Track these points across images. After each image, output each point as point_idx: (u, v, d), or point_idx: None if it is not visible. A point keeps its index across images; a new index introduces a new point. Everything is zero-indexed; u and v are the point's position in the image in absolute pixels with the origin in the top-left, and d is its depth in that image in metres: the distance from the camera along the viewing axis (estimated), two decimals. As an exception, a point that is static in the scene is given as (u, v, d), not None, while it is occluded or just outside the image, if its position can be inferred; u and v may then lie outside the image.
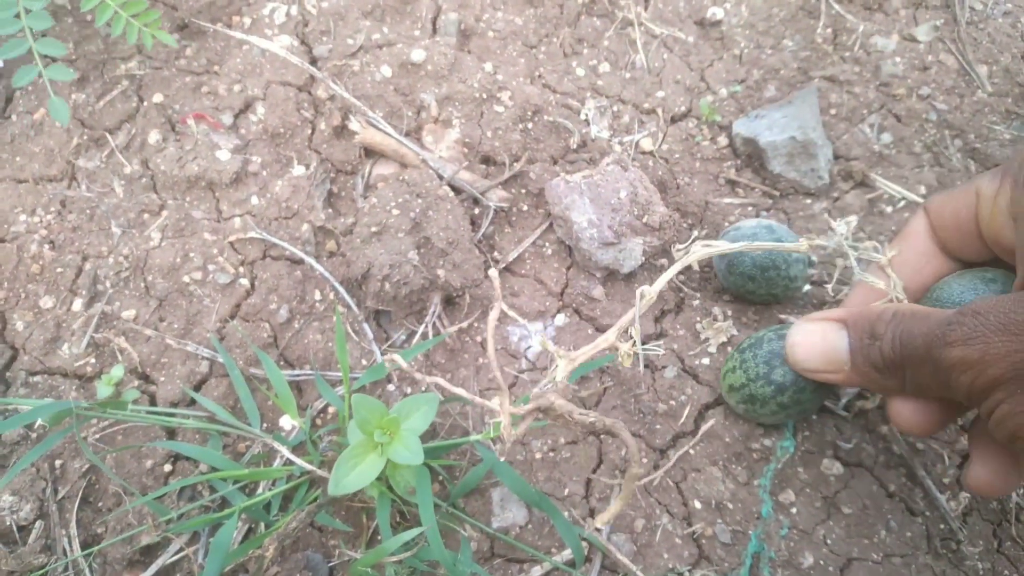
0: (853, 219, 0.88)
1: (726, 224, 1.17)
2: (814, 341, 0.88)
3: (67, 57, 1.25)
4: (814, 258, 0.90)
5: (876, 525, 0.97)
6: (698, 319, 1.11)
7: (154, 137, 1.19)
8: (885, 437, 1.03)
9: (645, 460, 1.01)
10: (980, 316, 0.70)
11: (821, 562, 0.95)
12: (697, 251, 0.90)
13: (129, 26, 1.14)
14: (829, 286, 1.03)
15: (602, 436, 1.02)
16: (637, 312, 0.85)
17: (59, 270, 1.11)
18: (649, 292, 0.86)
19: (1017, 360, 0.67)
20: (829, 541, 0.96)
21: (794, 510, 0.98)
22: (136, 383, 1.04)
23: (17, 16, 1.10)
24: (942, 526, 0.98)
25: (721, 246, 0.90)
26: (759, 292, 1.07)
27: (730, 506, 0.98)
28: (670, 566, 0.95)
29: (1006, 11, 1.36)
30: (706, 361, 1.07)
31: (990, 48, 1.31)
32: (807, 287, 1.11)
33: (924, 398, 0.80)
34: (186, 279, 1.10)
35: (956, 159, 1.22)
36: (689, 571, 0.94)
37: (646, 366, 1.06)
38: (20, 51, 1.11)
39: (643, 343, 1.07)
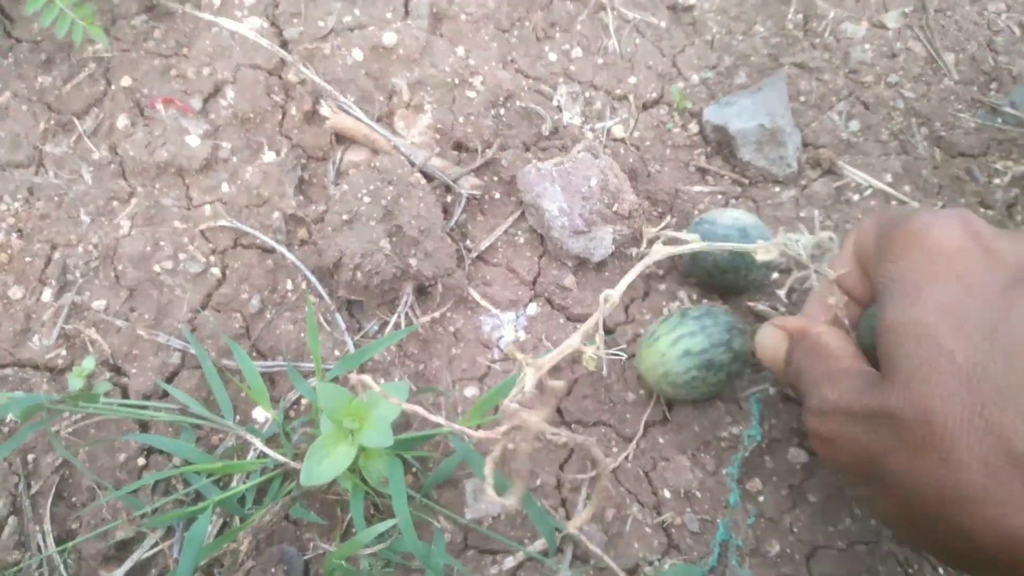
0: (812, 237, 0.89)
1: (695, 212, 1.18)
2: (767, 344, 0.94)
3: (32, 38, 1.23)
4: (780, 259, 0.92)
5: (841, 513, 0.99)
6: (664, 303, 1.12)
7: (122, 122, 1.18)
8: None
9: (615, 449, 1.02)
10: (837, 392, 0.77)
11: (787, 550, 0.97)
12: (659, 250, 0.91)
13: (61, 18, 1.12)
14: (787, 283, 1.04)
15: (572, 427, 1.04)
16: (600, 316, 0.86)
17: (28, 259, 1.10)
18: (612, 296, 0.87)
19: (859, 448, 0.73)
20: (795, 529, 0.99)
21: (761, 499, 1.00)
22: (108, 375, 1.04)
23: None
24: (904, 512, 1.01)
25: (683, 246, 0.91)
26: (719, 287, 1.10)
27: (699, 495, 1.00)
28: (640, 555, 0.96)
29: (974, -3, 1.37)
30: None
31: (957, 36, 1.32)
32: (775, 275, 1.12)
33: None
34: (157, 268, 1.09)
35: (922, 147, 1.24)
36: (659, 560, 0.96)
37: (618, 355, 1.07)
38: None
39: (610, 332, 1.09)
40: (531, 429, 0.77)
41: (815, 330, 0.88)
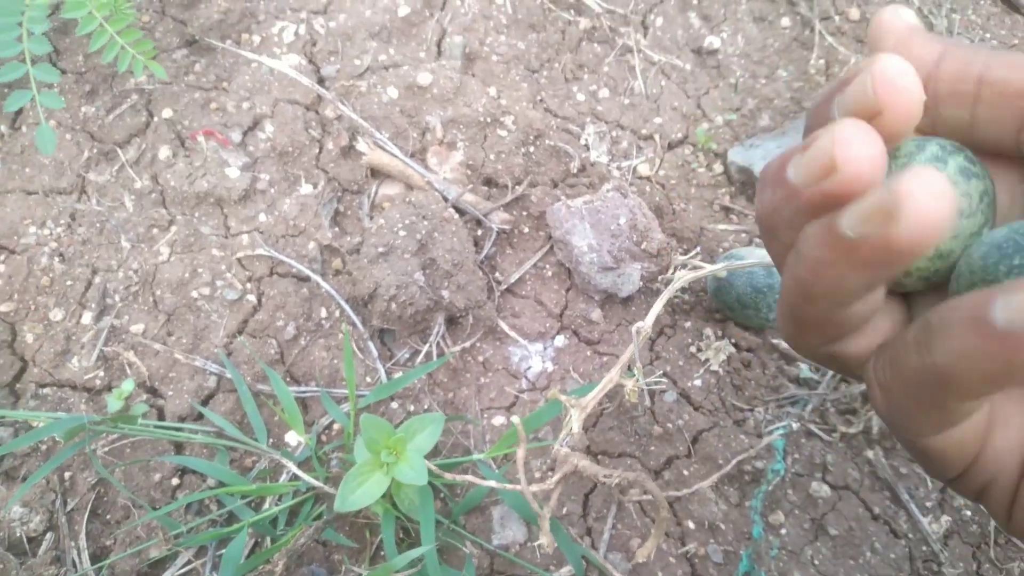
0: None
1: (720, 250, 1.21)
2: None
3: (76, 69, 1.27)
4: None
5: (862, 546, 1.01)
6: (690, 341, 1.15)
7: (164, 153, 1.21)
8: (870, 461, 1.06)
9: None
10: None
11: (809, 583, 0.99)
12: (683, 275, 0.94)
13: (123, 53, 1.16)
14: None
15: (599, 457, 1.05)
16: (636, 347, 0.88)
17: (68, 283, 1.13)
18: (644, 327, 0.89)
19: None
20: (817, 562, 1.00)
21: (783, 531, 1.02)
22: (144, 397, 1.06)
23: (18, 39, 1.11)
24: (924, 548, 1.02)
25: (706, 269, 0.94)
26: (741, 321, 1.13)
27: (722, 527, 1.01)
28: (664, 585, 0.98)
29: (994, 45, 1.40)
30: (699, 383, 1.11)
31: (977, 84, 1.35)
32: None
33: None
34: (194, 294, 1.12)
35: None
36: (683, 590, 0.97)
37: (645, 390, 1.09)
38: (17, 75, 1.11)
39: (647, 366, 1.11)
40: (586, 472, 0.80)
41: None
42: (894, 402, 0.42)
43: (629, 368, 1.09)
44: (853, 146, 0.35)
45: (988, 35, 1.44)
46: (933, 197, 0.34)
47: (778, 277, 1.02)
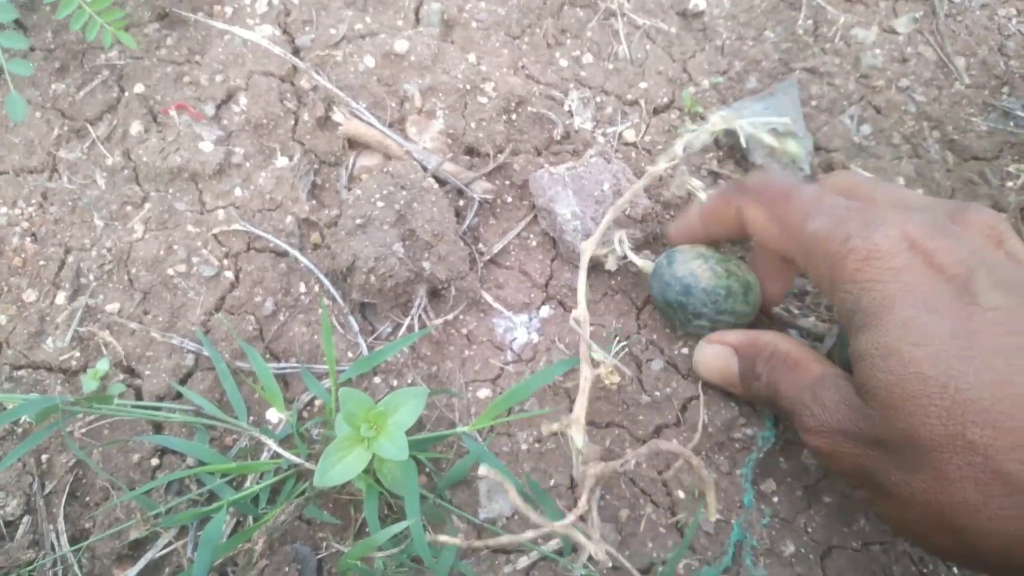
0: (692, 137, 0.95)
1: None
2: (713, 364, 0.98)
3: (45, 45, 1.24)
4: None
5: (855, 513, 0.99)
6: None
7: (136, 128, 1.18)
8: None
9: (629, 450, 1.02)
10: (827, 412, 0.78)
11: (802, 550, 0.97)
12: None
13: (91, 22, 1.13)
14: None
15: (586, 427, 1.03)
16: (585, 337, 0.88)
17: (42, 263, 1.10)
18: (580, 314, 0.91)
19: (858, 463, 0.75)
20: (810, 529, 0.98)
21: (776, 499, 1.00)
22: (121, 377, 1.04)
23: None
24: (919, 514, 1.00)
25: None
26: (668, 319, 1.10)
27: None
28: (654, 555, 0.96)
29: (983, 3, 1.38)
30: (686, 351, 1.08)
31: (968, 40, 1.33)
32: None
33: None
34: (170, 272, 1.10)
35: (934, 150, 1.24)
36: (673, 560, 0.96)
37: (632, 359, 1.07)
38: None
39: (625, 340, 1.09)
40: (606, 476, 0.83)
41: (769, 340, 0.91)
42: None
43: (616, 337, 1.07)
44: None
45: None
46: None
47: (694, 295, 0.99)
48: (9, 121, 1.18)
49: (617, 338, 1.06)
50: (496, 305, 1.11)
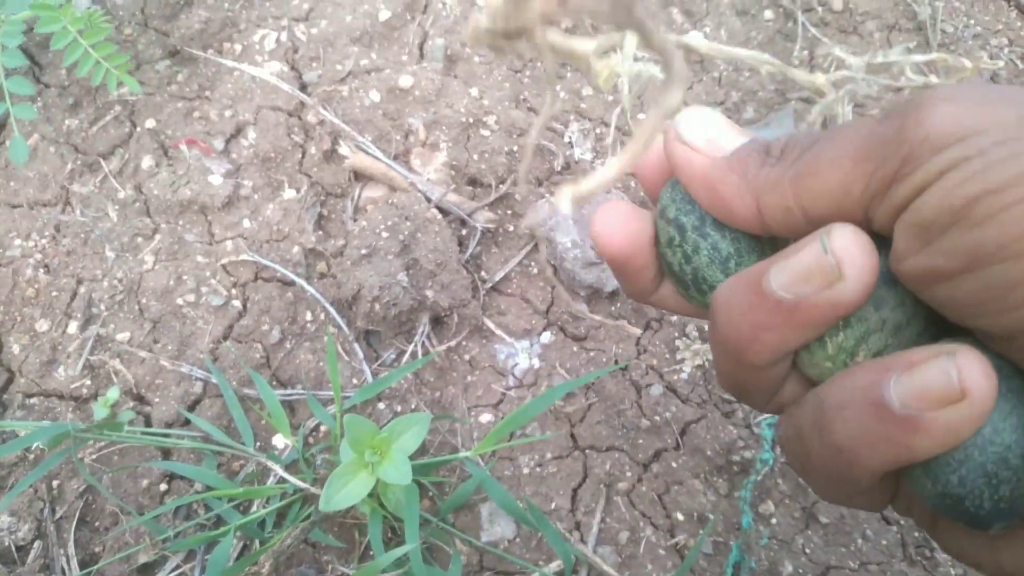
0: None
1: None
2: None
3: (59, 83, 1.28)
4: None
5: (853, 534, 1.00)
6: (676, 335, 1.14)
7: (147, 162, 1.22)
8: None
9: (629, 474, 1.04)
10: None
11: (800, 571, 0.98)
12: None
13: (97, 67, 1.16)
14: None
15: (587, 452, 1.05)
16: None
17: (54, 293, 1.13)
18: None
19: None
20: (808, 550, 0.99)
21: (774, 520, 1.01)
22: (131, 404, 1.06)
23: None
24: (916, 534, 1.01)
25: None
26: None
27: (711, 517, 1.01)
28: (654, 577, 0.97)
29: (975, 33, 1.40)
30: (684, 376, 1.10)
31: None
32: None
33: None
34: (179, 301, 1.12)
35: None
36: (673, 582, 0.97)
37: (632, 384, 1.09)
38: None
39: (626, 362, 1.11)
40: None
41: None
42: (807, 473, 0.42)
43: (616, 361, 1.09)
44: (856, 255, 0.35)
45: (972, 21, 1.44)
46: (865, 252, 0.34)
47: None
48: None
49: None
50: (498, 332, 1.13)
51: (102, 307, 1.13)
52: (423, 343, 1.10)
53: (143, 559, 0.96)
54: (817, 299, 0.35)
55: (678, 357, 1.11)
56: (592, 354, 1.12)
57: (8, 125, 1.25)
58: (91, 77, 1.16)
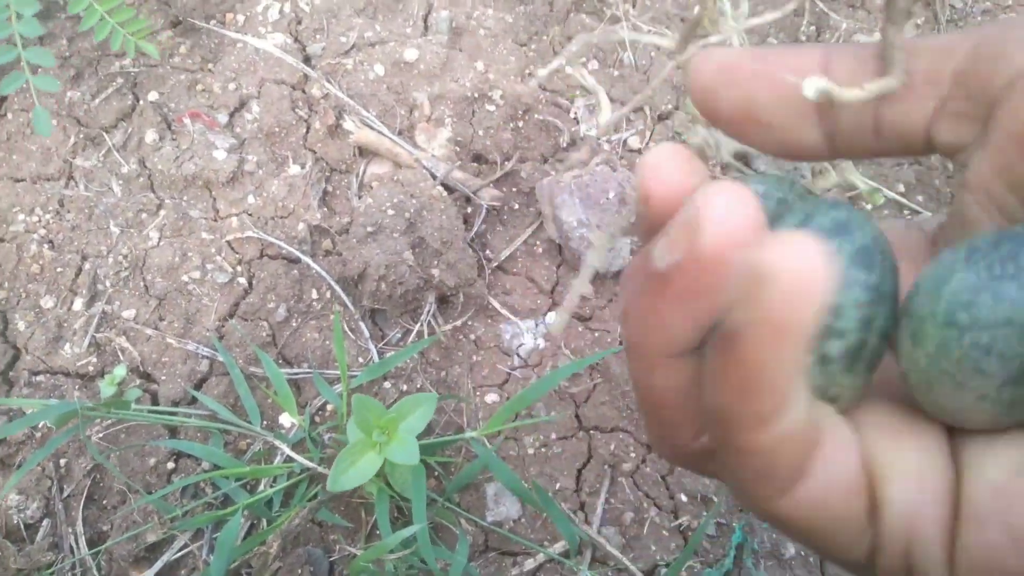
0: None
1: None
2: None
3: (60, 54, 1.26)
4: None
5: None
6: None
7: (151, 136, 1.21)
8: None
9: (633, 454, 1.04)
10: None
11: (802, 552, 0.99)
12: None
13: (115, 32, 1.15)
14: None
15: (591, 432, 1.06)
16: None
17: (59, 270, 1.13)
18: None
19: None
20: (810, 533, 1.00)
21: (777, 503, 1.02)
22: (138, 382, 1.07)
23: (8, 20, 1.10)
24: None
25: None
26: None
27: (715, 499, 1.02)
28: (658, 557, 0.98)
29: (985, 9, 1.39)
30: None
31: (969, 48, 1.34)
32: None
33: None
34: (185, 278, 1.12)
35: (934, 157, 1.25)
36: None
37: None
38: (8, 58, 1.10)
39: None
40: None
41: None
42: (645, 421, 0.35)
43: (621, 342, 1.09)
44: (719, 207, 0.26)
45: (981, -3, 1.43)
46: (735, 201, 0.26)
47: None
48: (25, 129, 1.20)
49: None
50: (503, 311, 1.14)
51: (107, 284, 1.13)
52: (429, 322, 1.10)
53: (151, 538, 0.97)
54: (685, 262, 0.27)
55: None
56: (597, 334, 1.12)
57: (8, 98, 1.24)
58: (110, 43, 1.15)
